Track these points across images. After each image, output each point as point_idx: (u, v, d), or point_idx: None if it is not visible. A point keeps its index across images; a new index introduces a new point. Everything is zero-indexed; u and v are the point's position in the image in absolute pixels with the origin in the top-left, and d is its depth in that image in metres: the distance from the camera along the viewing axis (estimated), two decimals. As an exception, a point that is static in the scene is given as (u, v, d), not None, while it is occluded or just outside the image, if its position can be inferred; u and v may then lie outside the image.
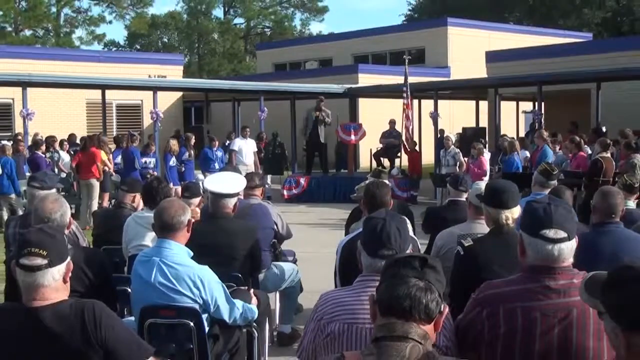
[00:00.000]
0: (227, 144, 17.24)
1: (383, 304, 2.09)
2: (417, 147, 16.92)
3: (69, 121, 22.68)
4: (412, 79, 22.29)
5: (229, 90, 21.81)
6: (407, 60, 17.02)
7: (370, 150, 19.78)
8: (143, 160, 14.42)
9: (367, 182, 5.95)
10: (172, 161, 14.55)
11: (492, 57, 23.52)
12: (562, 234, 2.69)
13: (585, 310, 2.69)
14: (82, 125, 23.19)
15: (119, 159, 15.56)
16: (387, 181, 6.48)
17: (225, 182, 4.87)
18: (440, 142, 16.38)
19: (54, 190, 5.55)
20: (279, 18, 59.49)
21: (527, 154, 13.24)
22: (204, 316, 4.01)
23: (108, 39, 60.97)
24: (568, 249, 2.71)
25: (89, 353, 2.64)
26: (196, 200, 5.94)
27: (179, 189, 10.92)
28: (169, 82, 20.50)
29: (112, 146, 16.14)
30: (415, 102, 20.40)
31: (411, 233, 5.26)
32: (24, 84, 16.04)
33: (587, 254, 4.33)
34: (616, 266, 2.03)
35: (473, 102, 21.41)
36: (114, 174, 14.39)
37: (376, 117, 21.68)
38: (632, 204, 5.80)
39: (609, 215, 4.38)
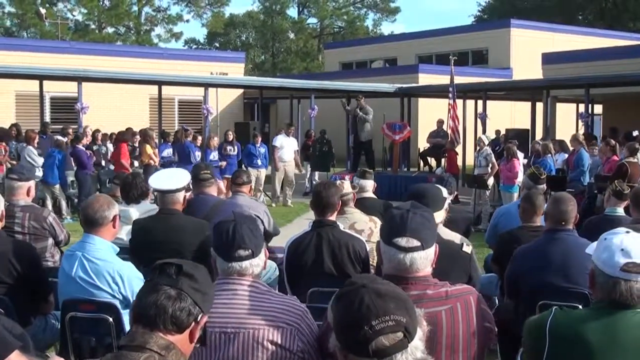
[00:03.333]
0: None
1: (133, 312, 2.02)
2: (456, 148, 16.49)
3: (133, 116, 23.21)
4: (474, 79, 21.86)
5: (279, 87, 21.86)
6: (452, 61, 16.60)
7: (418, 149, 19.48)
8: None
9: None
10: (213, 156, 14.81)
11: (548, 59, 22.69)
12: (415, 243, 2.52)
13: (438, 322, 2.54)
14: (146, 120, 23.78)
15: (165, 153, 15.95)
16: (370, 182, 6.34)
17: (167, 179, 4.87)
18: (492, 142, 15.90)
19: (31, 182, 5.77)
20: (351, 18, 59.31)
21: (565, 156, 12.74)
22: (126, 311, 4.00)
23: (188, 37, 62.56)
24: (421, 259, 2.55)
25: None
26: None
27: (221, 182, 11.11)
28: (222, 79, 20.72)
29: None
30: (471, 102, 19.98)
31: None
32: (80, 78, 16.55)
33: (537, 261, 4.18)
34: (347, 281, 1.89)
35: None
36: (159, 167, 14.67)
37: (433, 116, 21.37)
38: (620, 210, 5.50)
39: (559, 222, 4.22)
